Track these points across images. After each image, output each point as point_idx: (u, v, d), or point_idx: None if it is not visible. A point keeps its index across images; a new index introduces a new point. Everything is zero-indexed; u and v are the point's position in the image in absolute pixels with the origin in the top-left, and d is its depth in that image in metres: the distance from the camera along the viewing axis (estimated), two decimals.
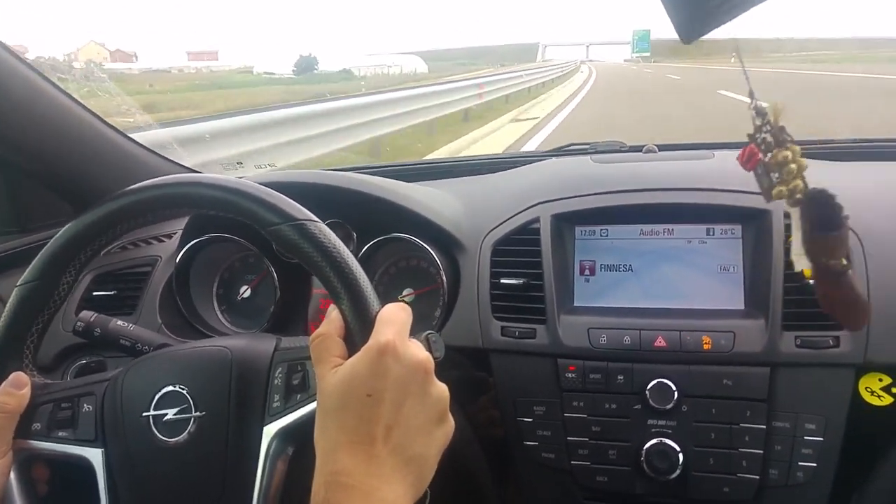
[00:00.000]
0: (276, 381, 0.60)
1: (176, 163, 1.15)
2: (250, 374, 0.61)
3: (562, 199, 0.86)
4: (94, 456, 0.62)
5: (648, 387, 0.74)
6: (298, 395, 0.59)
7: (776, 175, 0.53)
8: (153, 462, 0.60)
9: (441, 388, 0.52)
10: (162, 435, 0.60)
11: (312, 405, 0.57)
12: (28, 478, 0.62)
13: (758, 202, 0.77)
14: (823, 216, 0.52)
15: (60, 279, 0.63)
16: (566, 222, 0.85)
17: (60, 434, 0.63)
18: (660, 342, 0.76)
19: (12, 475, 0.60)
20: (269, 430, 0.59)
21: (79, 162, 0.96)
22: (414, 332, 0.57)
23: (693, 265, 0.81)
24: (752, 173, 0.56)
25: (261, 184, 0.59)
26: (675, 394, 0.73)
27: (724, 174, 0.83)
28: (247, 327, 0.98)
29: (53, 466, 0.65)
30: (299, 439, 0.60)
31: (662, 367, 0.75)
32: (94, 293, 0.97)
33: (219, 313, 1.00)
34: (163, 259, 1.00)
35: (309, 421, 0.55)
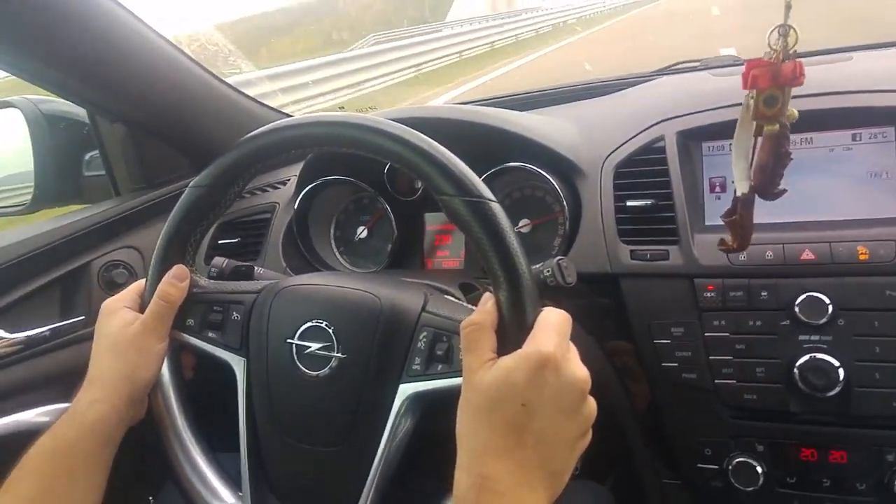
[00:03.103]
0: (418, 345, 0.59)
1: (288, 115, 1.17)
2: (396, 329, 0.60)
3: (686, 114, 0.81)
4: (237, 363, 0.65)
5: (797, 301, 0.70)
6: (440, 366, 0.58)
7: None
8: (290, 387, 0.62)
9: (592, 405, 0.51)
10: (302, 365, 0.61)
11: (452, 381, 0.56)
12: (178, 363, 0.69)
13: None
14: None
15: (228, 189, 0.65)
16: (693, 139, 0.81)
17: (210, 335, 0.66)
18: (807, 255, 0.72)
19: (165, 359, 0.66)
20: (405, 390, 0.58)
21: (197, 118, 0.99)
22: (536, 262, 0.55)
23: (838, 174, 0.76)
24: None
25: None
26: (830, 307, 0.69)
27: (871, 75, 0.76)
28: (366, 267, 1.00)
29: (200, 358, 0.70)
30: (430, 407, 0.60)
31: (811, 281, 0.71)
32: (220, 241, 1.02)
33: (337, 255, 1.02)
34: (281, 205, 1.02)
35: (446, 394, 0.55)
